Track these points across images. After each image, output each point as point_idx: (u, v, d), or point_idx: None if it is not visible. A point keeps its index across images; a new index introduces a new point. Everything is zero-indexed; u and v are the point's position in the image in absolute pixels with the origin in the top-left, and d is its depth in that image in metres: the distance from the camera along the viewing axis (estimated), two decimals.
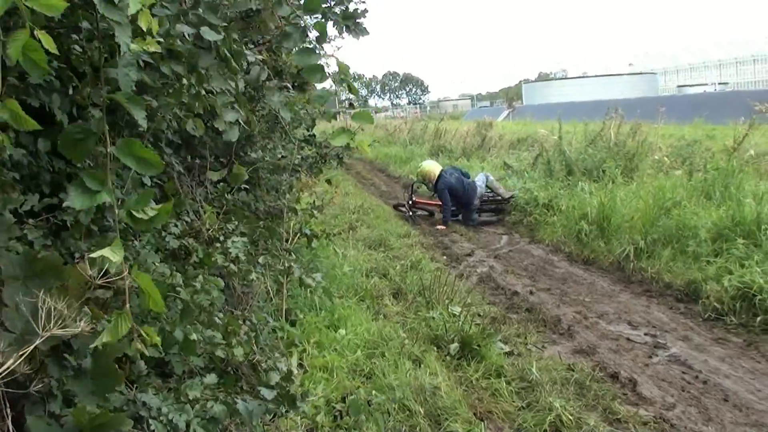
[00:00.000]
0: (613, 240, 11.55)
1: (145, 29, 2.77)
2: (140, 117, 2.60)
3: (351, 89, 3.79)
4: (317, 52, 3.50)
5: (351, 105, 4.07)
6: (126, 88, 2.64)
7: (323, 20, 3.71)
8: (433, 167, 16.94)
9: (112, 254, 2.36)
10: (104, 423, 2.50)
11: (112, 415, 2.54)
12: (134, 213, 2.53)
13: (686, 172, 13.48)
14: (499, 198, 16.17)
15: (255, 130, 5.87)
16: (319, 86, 5.40)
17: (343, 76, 3.62)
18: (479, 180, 16.10)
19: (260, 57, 4.58)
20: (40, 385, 2.56)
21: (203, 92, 3.89)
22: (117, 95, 2.58)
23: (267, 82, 4.71)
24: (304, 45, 3.53)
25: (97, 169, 2.45)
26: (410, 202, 17.09)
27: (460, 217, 16.16)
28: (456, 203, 16.01)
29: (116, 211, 2.50)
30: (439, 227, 15.55)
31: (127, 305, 2.49)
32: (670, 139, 19.59)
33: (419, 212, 17.11)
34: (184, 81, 3.66)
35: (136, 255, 3.47)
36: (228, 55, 3.55)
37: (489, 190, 16.57)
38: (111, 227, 3.52)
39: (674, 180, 12.80)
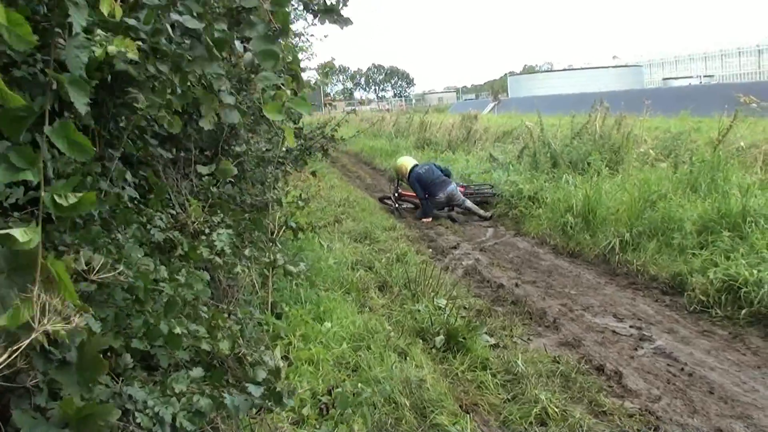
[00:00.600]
0: (598, 232, 11.58)
1: (106, 14, 2.75)
2: (80, 103, 2.56)
3: (297, 80, 3.80)
4: (275, 39, 3.48)
5: (294, 92, 4.07)
6: (75, 71, 2.60)
7: (304, 11, 3.70)
8: (405, 162, 17.18)
9: (22, 235, 2.32)
10: (91, 414, 2.49)
11: (99, 406, 2.54)
12: (56, 198, 2.49)
13: (672, 164, 13.53)
14: (487, 192, 16.22)
15: (242, 121, 5.87)
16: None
17: (293, 65, 3.62)
18: (452, 186, 16.11)
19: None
20: (26, 379, 2.56)
21: (192, 93, 3.89)
22: (60, 76, 2.55)
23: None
24: (267, 33, 3.51)
25: (25, 146, 2.41)
26: (396, 195, 17.14)
27: (445, 210, 16.17)
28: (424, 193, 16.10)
29: (42, 193, 2.47)
30: (424, 220, 15.59)
31: (35, 289, 2.44)
32: (656, 132, 19.62)
33: (405, 205, 17.13)
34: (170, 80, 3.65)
35: (120, 248, 3.45)
36: (210, 43, 3.53)
37: (475, 185, 16.68)
38: (95, 219, 3.52)
39: (660, 172, 12.86)
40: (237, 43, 4.09)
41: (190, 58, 3.48)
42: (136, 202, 4.27)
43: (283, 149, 7.68)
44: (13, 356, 2.26)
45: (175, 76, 3.53)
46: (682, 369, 6.88)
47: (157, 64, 3.37)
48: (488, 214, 15.60)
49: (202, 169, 5.50)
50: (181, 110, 4.12)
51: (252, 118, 6.48)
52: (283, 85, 3.67)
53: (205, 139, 5.92)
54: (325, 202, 16.13)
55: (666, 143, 16.73)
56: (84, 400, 2.59)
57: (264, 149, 7.10)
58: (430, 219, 15.64)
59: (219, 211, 5.22)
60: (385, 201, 17.69)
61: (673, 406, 6.07)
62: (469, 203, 15.84)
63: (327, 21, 3.95)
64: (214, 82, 3.93)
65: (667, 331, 7.94)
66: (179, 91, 3.67)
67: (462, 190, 16.21)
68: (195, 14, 3.42)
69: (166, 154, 5.02)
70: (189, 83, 3.79)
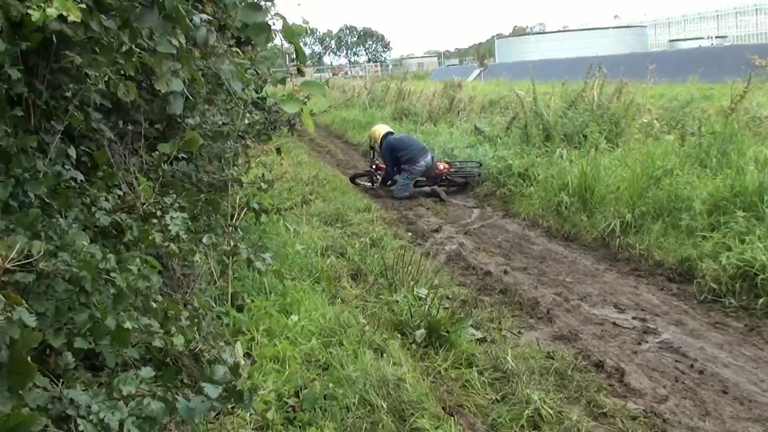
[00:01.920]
0: (596, 213, 11.60)
1: None
2: None
3: (299, 55, 3.77)
4: (263, 8, 3.46)
5: (299, 71, 4.04)
6: None
7: None
8: (379, 128, 17.29)
9: None
10: (19, 424, 2.48)
11: (26, 415, 2.52)
12: None
13: (678, 136, 13.49)
14: (473, 172, 16.20)
15: (201, 91, 5.85)
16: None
17: (290, 38, 3.60)
18: (430, 156, 16.10)
19: (205, 16, 4.53)
20: None
21: (137, 51, 3.85)
22: None
23: (215, 48, 4.68)
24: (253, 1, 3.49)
25: None
26: (374, 167, 17.10)
27: (425, 187, 16.15)
28: (399, 164, 16.19)
29: None
30: (400, 196, 15.63)
31: None
32: (661, 100, 19.67)
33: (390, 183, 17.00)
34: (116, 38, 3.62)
35: (61, 234, 3.43)
36: (176, 14, 3.50)
37: (459, 161, 16.69)
38: (33, 202, 3.50)
39: (665, 146, 12.83)
40: (196, 18, 4.06)
41: (145, 30, 3.45)
42: (79, 181, 4.25)
43: (244, 122, 7.64)
44: None
45: (123, 33, 3.51)
46: (692, 365, 6.88)
47: (103, 21, 3.34)
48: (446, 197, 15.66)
49: (164, 147, 5.47)
50: (131, 75, 4.09)
51: (209, 86, 6.44)
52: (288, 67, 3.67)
53: (156, 111, 5.88)
54: (291, 180, 16.04)
55: (672, 113, 16.74)
56: (14, 408, 2.58)
57: (221, 122, 7.06)
58: (408, 195, 15.67)
59: (171, 191, 5.20)
60: (358, 181, 17.61)
61: (681, 407, 6.08)
62: (436, 187, 15.94)
63: None
64: (163, 44, 3.89)
65: (674, 323, 7.96)
66: (127, 47, 3.64)
67: (446, 167, 16.19)
68: None
69: (109, 134, 5.00)
70: (138, 44, 3.76)
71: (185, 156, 5.86)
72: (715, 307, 8.32)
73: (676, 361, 7.01)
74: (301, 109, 3.55)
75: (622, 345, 7.42)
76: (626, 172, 11.88)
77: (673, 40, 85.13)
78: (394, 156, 16.07)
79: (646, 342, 7.49)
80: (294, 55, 4.07)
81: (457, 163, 16.68)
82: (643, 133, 15.08)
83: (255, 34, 3.40)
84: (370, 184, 17.06)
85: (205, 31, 3.82)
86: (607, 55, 42.65)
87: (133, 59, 3.81)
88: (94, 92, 4.34)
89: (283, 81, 5.23)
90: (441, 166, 16.22)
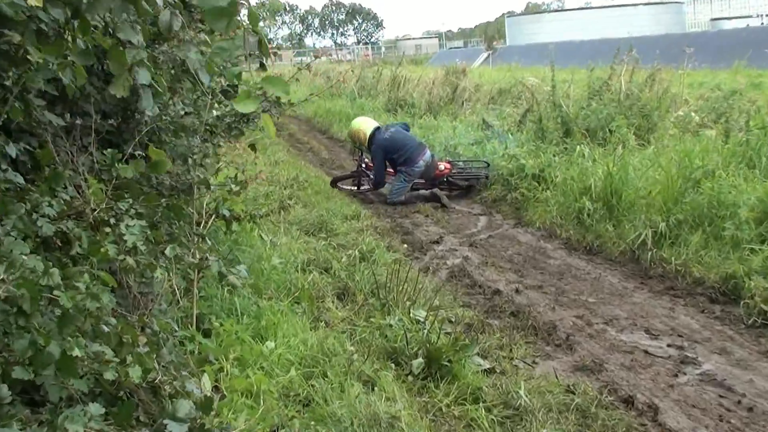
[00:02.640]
0: (624, 222, 11.59)
1: None
2: None
3: (261, 46, 3.76)
4: None
5: (262, 65, 4.03)
6: None
7: None
8: (362, 125, 17.07)
9: None
10: None
11: None
12: None
13: (721, 132, 13.48)
14: (479, 173, 16.19)
15: (162, 78, 5.84)
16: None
17: (253, 25, 3.59)
18: (429, 153, 16.11)
19: None
20: None
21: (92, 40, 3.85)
22: None
23: (181, 33, 4.66)
24: None
25: None
26: (363, 166, 17.07)
27: (424, 191, 16.14)
28: (394, 167, 16.18)
29: None
30: (396, 201, 15.66)
31: None
32: (701, 90, 19.71)
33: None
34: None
35: None
36: None
37: (463, 161, 16.69)
38: None
39: (705, 143, 12.82)
40: None
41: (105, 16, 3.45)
42: (17, 184, 4.23)
43: (213, 114, 7.61)
44: None
45: (73, 27, 3.51)
46: (739, 402, 6.84)
47: (50, 9, 3.34)
48: (449, 202, 15.66)
49: (125, 171, 5.42)
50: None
51: (171, 73, 6.42)
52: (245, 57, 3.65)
53: (109, 101, 5.85)
54: (267, 182, 16.02)
55: (714, 104, 16.72)
56: None
57: (183, 113, 7.03)
58: (404, 200, 15.71)
59: (127, 195, 5.18)
60: (341, 185, 17.45)
61: None
62: (436, 190, 15.94)
63: None
64: (125, 31, 3.89)
65: (717, 352, 7.92)
66: (82, 45, 3.64)
67: (448, 167, 16.20)
68: None
69: (57, 120, 4.97)
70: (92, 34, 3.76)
71: (143, 154, 5.83)
72: (766, 332, 8.28)
73: (720, 396, 6.97)
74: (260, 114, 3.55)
75: (655, 377, 7.40)
76: (659, 174, 11.87)
77: (715, 19, 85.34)
78: (389, 158, 16.05)
79: (684, 374, 7.46)
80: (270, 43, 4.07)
81: (461, 163, 16.68)
82: (679, 127, 15.09)
83: (214, 19, 3.35)
84: (355, 187, 17.01)
85: (169, 15, 3.81)
86: (638, 37, 42.81)
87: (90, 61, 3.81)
88: (38, 78, 4.32)
89: (239, 76, 5.22)
90: (442, 166, 16.23)
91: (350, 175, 17.39)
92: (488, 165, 16.27)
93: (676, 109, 16.13)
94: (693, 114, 15.60)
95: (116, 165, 5.36)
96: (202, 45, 5.37)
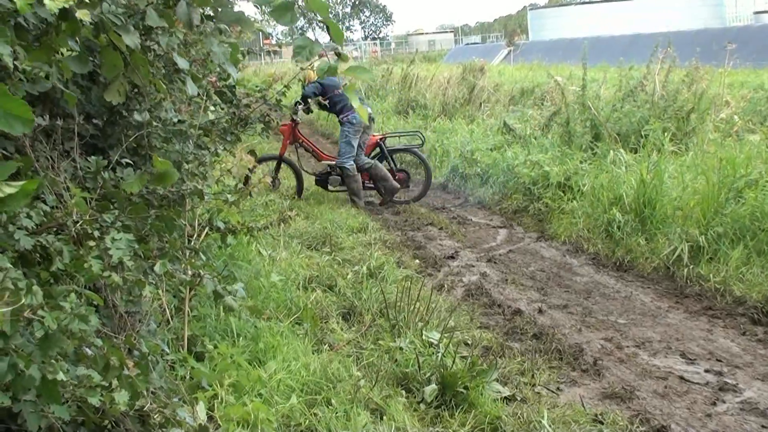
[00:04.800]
0: (658, 235, 11.58)
1: None
2: None
3: (332, 33, 3.79)
4: None
5: (338, 55, 4.05)
6: None
7: None
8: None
9: None
10: None
11: None
12: None
13: (766, 136, 13.47)
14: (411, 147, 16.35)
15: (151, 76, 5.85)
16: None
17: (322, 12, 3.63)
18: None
19: None
20: None
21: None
22: None
23: (203, 25, 4.68)
24: None
25: None
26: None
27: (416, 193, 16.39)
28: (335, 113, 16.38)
29: None
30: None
31: None
32: (743, 90, 19.65)
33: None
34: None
35: None
36: None
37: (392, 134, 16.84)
38: None
39: (749, 148, 12.79)
40: None
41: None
42: None
43: (208, 117, 7.60)
44: None
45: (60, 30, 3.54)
46: None
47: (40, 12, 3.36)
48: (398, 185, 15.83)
49: (131, 186, 5.42)
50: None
51: (163, 70, 6.42)
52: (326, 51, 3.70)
53: (94, 101, 5.85)
54: (265, 192, 16.00)
55: (758, 106, 16.72)
56: None
57: (177, 118, 7.02)
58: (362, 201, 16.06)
59: (114, 206, 5.19)
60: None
61: None
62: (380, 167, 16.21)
63: None
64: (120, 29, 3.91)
65: (760, 378, 7.90)
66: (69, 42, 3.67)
67: (375, 140, 16.28)
68: None
69: (37, 121, 4.98)
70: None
71: (131, 161, 5.83)
72: None
73: (763, 426, 6.94)
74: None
75: (691, 406, 7.38)
76: (698, 183, 11.86)
77: (759, 12, 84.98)
78: (327, 104, 15.17)
79: (724, 402, 7.44)
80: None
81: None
82: (720, 132, 15.06)
83: (279, 15, 3.43)
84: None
85: (186, 6, 3.83)
86: (675, 32, 42.69)
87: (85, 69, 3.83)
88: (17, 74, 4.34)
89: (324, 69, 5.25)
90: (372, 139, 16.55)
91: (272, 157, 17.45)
92: (423, 142, 16.96)
93: (717, 112, 16.09)
94: (735, 117, 15.58)
95: (102, 173, 5.37)
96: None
